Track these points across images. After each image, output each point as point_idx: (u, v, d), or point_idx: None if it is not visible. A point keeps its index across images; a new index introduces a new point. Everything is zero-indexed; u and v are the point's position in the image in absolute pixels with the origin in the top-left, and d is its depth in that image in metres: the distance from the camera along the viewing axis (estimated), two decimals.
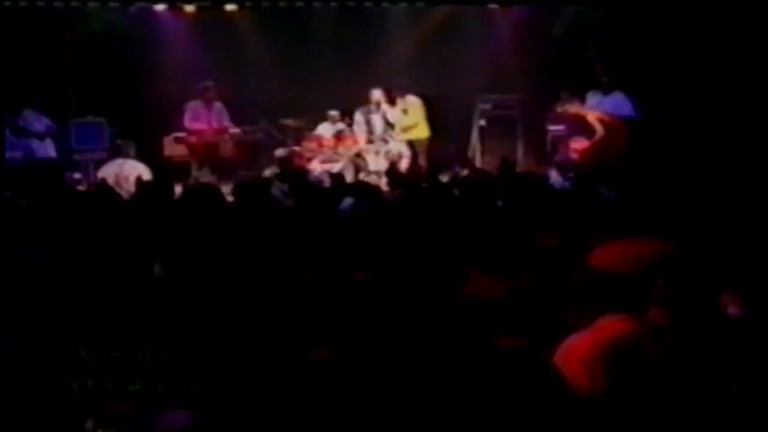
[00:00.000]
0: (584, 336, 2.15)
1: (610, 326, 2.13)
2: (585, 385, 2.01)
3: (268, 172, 9.07)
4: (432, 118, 10.12)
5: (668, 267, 2.17)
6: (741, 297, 2.55)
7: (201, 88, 9.73)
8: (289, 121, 10.27)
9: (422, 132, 10.07)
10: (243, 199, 5.40)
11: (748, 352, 2.13)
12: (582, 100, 9.34)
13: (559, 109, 9.52)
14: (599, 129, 9.01)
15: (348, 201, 5.21)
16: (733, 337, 2.20)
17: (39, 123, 9.30)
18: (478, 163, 10.12)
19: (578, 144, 9.38)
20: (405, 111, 10.01)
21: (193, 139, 9.74)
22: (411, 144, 10.03)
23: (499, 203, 5.21)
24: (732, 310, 2.51)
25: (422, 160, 9.93)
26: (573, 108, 9.23)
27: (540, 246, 3.36)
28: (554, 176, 8.07)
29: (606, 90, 9.45)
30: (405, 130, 10.03)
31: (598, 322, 2.17)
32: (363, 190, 5.68)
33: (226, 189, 6.61)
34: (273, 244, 3.82)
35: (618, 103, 9.36)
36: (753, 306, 2.52)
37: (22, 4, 9.07)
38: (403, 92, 10.06)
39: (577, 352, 2.10)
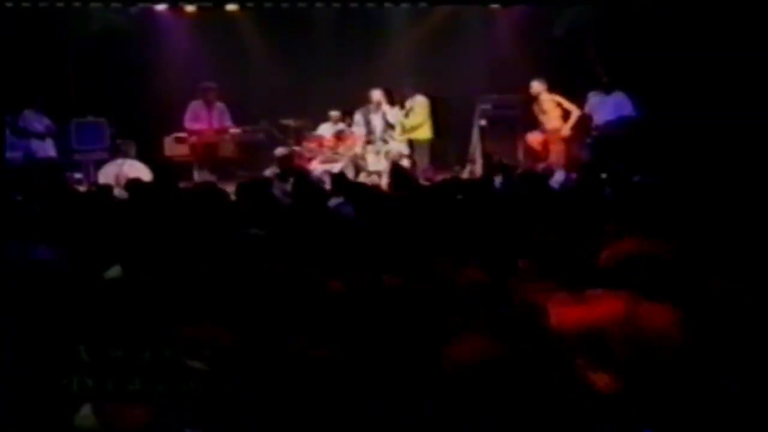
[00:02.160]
0: (580, 309, 2.17)
1: (606, 303, 2.16)
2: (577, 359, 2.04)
3: (268, 172, 9.07)
4: (435, 118, 10.13)
5: (647, 263, 2.21)
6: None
7: (202, 89, 9.74)
8: (290, 122, 10.25)
9: (425, 133, 10.05)
10: (244, 199, 5.41)
11: (746, 351, 2.13)
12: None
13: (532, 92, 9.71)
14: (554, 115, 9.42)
15: (336, 200, 5.18)
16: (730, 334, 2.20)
17: (39, 123, 9.29)
18: (478, 163, 10.10)
19: (535, 137, 9.77)
20: (411, 110, 9.99)
21: (193, 139, 9.74)
22: (411, 144, 10.02)
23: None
24: None
25: (425, 161, 9.93)
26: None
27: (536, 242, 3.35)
28: (559, 175, 8.04)
29: (607, 90, 9.49)
30: (408, 129, 10.01)
31: (594, 297, 2.20)
32: (361, 192, 5.65)
33: (226, 189, 6.61)
34: (273, 244, 3.82)
35: (619, 102, 9.38)
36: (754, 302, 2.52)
37: (24, 4, 9.07)
38: (412, 92, 10.05)
39: (571, 324, 2.12)
